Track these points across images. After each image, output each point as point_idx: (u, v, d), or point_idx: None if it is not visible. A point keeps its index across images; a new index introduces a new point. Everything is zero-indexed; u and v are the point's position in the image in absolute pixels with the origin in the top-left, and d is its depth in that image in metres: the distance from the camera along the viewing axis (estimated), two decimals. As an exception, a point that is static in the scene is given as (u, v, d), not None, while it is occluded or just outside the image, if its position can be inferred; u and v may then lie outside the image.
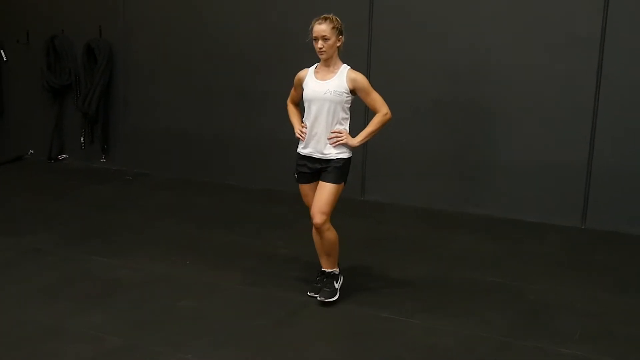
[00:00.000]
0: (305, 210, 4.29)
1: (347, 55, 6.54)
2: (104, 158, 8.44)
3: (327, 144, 4.07)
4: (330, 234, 4.11)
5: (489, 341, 3.71)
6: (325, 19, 4.02)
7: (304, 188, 4.24)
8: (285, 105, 4.45)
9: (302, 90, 4.20)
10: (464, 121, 6.56)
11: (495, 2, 6.32)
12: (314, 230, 4.20)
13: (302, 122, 4.20)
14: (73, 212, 6.27)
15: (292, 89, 4.34)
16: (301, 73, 4.24)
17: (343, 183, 4.13)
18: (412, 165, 6.82)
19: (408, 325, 3.91)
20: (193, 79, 7.81)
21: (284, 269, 4.80)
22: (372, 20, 6.83)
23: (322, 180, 4.10)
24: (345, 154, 4.11)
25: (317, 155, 4.10)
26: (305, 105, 4.15)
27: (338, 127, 4.08)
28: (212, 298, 4.25)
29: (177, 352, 3.47)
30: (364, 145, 6.87)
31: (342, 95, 4.03)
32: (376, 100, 4.11)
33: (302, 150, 4.19)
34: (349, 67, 4.12)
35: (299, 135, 4.18)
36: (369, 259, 5.11)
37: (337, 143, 4.06)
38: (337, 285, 4.22)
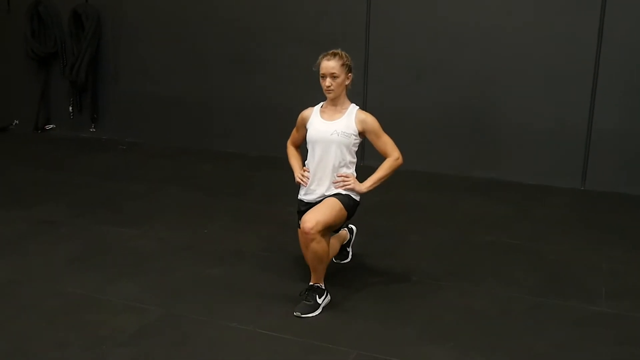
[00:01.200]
0: None
1: (347, 17, 6.47)
2: (94, 127, 8.29)
3: (331, 187, 3.72)
4: (319, 246, 3.55)
5: (521, 301, 3.81)
6: (334, 54, 3.70)
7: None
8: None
9: (306, 131, 3.86)
10: (465, 85, 6.61)
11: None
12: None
13: (304, 166, 3.87)
14: (75, 182, 6.17)
15: (294, 129, 3.98)
16: (305, 112, 3.90)
17: (346, 212, 3.70)
18: (411, 130, 6.84)
19: (439, 287, 3.98)
20: (186, 44, 7.68)
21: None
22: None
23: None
24: (352, 195, 3.75)
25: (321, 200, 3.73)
26: (309, 147, 3.80)
27: (345, 171, 3.74)
28: (239, 265, 4.25)
29: (222, 320, 3.48)
30: (364, 108, 6.94)
31: (350, 137, 3.71)
32: (387, 143, 3.81)
33: (304, 197, 3.82)
34: (358, 107, 3.83)
35: (299, 180, 3.82)
36: (385, 224, 5.17)
37: (344, 188, 3.71)
38: (320, 301, 3.65)
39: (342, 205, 3.67)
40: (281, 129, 7.27)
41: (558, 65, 6.24)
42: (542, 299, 3.84)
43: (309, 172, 3.80)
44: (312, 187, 3.78)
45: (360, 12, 6.84)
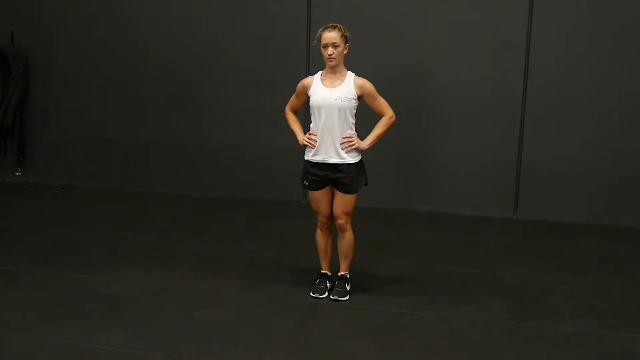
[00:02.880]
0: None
1: (287, 57, 6.77)
2: (20, 171, 7.97)
3: (338, 149, 4.22)
4: (351, 234, 4.41)
5: (497, 324, 4.07)
6: (334, 27, 4.16)
7: (316, 195, 4.37)
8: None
9: (306, 97, 4.33)
10: (403, 122, 6.92)
11: (434, 10, 6.75)
12: (318, 232, 4.51)
13: (311, 130, 4.30)
14: (20, 229, 5.93)
15: (293, 96, 4.43)
16: (306, 80, 4.33)
17: (365, 182, 4.41)
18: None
19: (420, 317, 4.17)
20: (121, 86, 7.60)
21: (273, 273, 4.90)
22: (310, 20, 7.01)
23: (341, 192, 4.28)
24: (357, 158, 4.31)
25: (332, 161, 4.23)
26: (314, 112, 4.26)
27: (349, 132, 4.25)
28: (223, 306, 4.27)
29: (225, 361, 3.50)
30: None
31: (351, 101, 4.19)
32: (382, 104, 4.33)
33: (312, 157, 4.29)
34: (354, 74, 4.29)
35: (306, 143, 4.28)
36: (348, 258, 5.32)
37: (350, 149, 4.23)
38: (348, 288, 4.49)
39: (356, 193, 4.34)
40: (221, 168, 7.38)
41: (489, 104, 6.71)
42: (514, 322, 4.12)
43: (315, 134, 4.24)
44: (320, 149, 4.25)
45: (300, 53, 7.06)
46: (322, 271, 4.58)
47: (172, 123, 7.53)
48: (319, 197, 4.36)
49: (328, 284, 4.53)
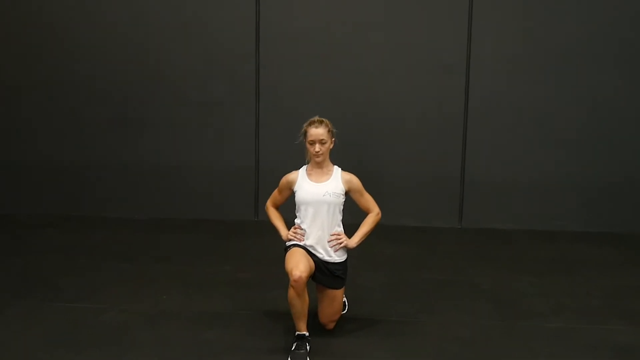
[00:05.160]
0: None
1: (234, 78, 6.80)
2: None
3: (327, 246, 4.08)
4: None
5: (491, 326, 4.37)
6: (321, 122, 4.07)
7: (297, 251, 4.00)
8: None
9: (290, 193, 4.19)
10: (352, 142, 7.19)
11: (380, 35, 7.09)
12: (292, 293, 3.80)
13: (296, 225, 4.13)
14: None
15: (276, 191, 4.26)
16: (290, 176, 4.19)
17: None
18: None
19: (421, 324, 4.39)
20: (56, 105, 7.34)
21: (262, 291, 4.96)
22: (259, 46, 7.14)
23: (330, 288, 4.11)
24: (344, 257, 4.17)
25: (326, 259, 4.08)
26: (301, 208, 4.09)
27: (336, 229, 4.10)
28: (229, 326, 4.27)
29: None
30: (257, 166, 7.26)
31: (339, 196, 4.07)
32: (369, 200, 4.22)
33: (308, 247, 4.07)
34: (340, 168, 4.20)
35: (291, 237, 4.09)
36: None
37: (339, 247, 4.08)
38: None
39: (343, 289, 4.22)
40: (165, 190, 7.31)
41: (433, 123, 7.13)
42: (504, 322, 4.45)
43: (301, 229, 4.09)
44: (308, 243, 4.07)
45: (249, 74, 7.16)
46: (299, 333, 3.91)
47: (111, 145, 7.36)
48: (299, 255, 3.95)
49: (308, 347, 3.89)
